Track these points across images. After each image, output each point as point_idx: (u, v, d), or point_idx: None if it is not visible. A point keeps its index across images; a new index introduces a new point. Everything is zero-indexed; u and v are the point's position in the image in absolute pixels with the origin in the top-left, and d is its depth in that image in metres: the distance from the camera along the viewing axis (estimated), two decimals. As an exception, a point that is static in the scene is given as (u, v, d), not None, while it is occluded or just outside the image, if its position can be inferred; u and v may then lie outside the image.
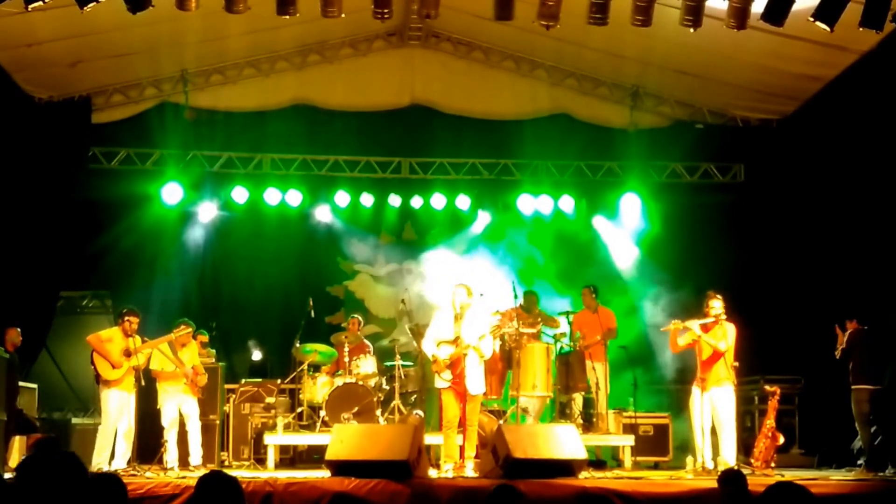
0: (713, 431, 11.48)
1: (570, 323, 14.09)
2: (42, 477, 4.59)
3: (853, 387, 11.82)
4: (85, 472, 4.82)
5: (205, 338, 13.43)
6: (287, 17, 11.21)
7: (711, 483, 8.13)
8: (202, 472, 6.76)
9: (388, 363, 13.86)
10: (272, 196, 16.21)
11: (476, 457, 10.87)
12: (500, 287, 14.31)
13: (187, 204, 16.04)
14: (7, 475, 10.08)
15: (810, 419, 14.30)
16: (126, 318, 11.75)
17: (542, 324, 13.86)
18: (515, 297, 13.36)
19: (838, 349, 11.90)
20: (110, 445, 11.57)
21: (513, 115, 16.61)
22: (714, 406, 11.38)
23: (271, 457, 12.66)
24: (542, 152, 16.48)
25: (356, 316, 14.85)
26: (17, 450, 12.35)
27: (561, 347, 13.79)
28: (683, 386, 13.35)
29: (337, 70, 16.39)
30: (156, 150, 16.07)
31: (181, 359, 12.15)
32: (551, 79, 16.63)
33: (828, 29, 10.59)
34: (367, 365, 13.75)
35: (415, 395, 13.96)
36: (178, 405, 12.16)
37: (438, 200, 16.54)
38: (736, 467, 10.21)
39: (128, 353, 11.61)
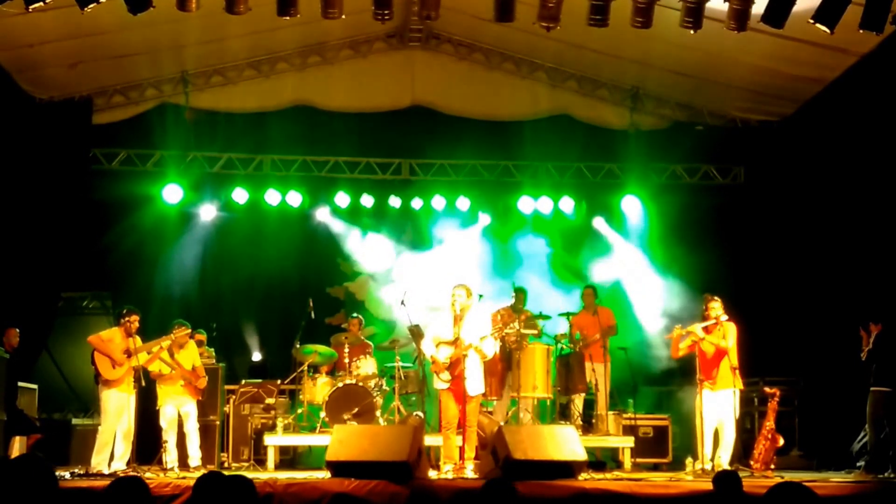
0: (715, 433, 11.48)
1: (570, 325, 14.11)
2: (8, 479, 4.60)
3: (872, 388, 11.79)
4: (54, 478, 4.81)
5: (202, 336, 13.44)
6: (287, 18, 11.22)
7: (710, 485, 8.13)
8: (201, 472, 6.76)
9: (388, 364, 13.87)
10: (272, 197, 16.23)
11: (476, 458, 10.87)
12: (499, 288, 14.39)
13: (188, 205, 16.06)
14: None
15: (810, 421, 14.30)
16: (127, 317, 11.76)
17: (522, 327, 13.67)
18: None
19: (864, 351, 11.87)
20: (110, 446, 11.56)
21: (513, 117, 16.63)
22: (719, 409, 11.38)
23: (271, 457, 12.67)
24: (543, 154, 16.49)
25: (357, 316, 14.87)
26: (18, 450, 12.38)
27: (561, 349, 13.80)
28: (683, 388, 13.37)
29: (337, 71, 16.41)
30: (156, 151, 16.09)
31: (178, 360, 12.15)
32: (551, 80, 16.64)
33: (828, 31, 10.61)
34: (367, 366, 13.77)
35: (415, 396, 13.96)
36: (177, 406, 12.17)
37: (439, 202, 16.55)
38: (732, 468, 10.26)
39: (128, 353, 11.61)
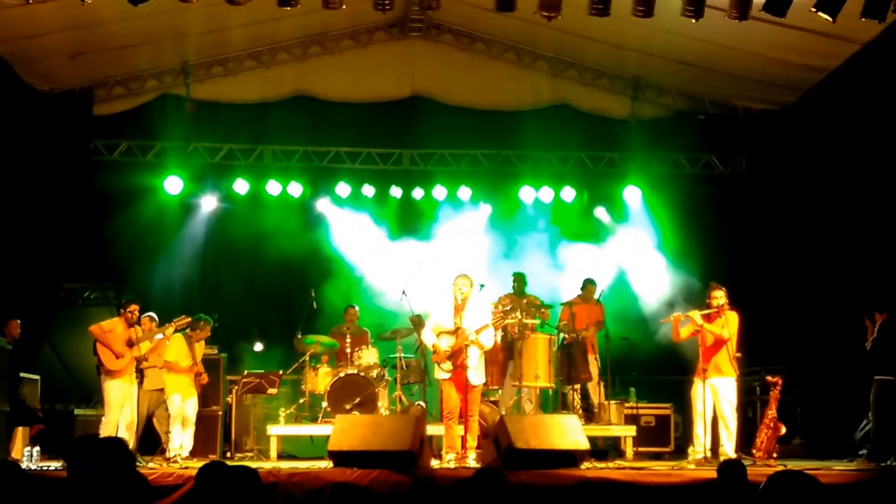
0: (714, 422, 11.49)
1: (572, 314, 14.12)
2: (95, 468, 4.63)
3: (876, 377, 11.78)
4: (133, 459, 4.86)
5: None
6: (288, 8, 11.20)
7: (712, 473, 8.13)
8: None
9: (390, 355, 13.87)
10: (273, 188, 16.23)
11: (478, 447, 10.88)
12: (500, 278, 14.39)
13: (189, 196, 16.07)
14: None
15: (812, 409, 14.30)
16: (127, 307, 11.79)
17: (530, 313, 13.65)
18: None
19: (869, 340, 11.87)
20: (113, 437, 11.57)
21: (514, 107, 16.62)
22: (716, 397, 11.40)
23: (273, 447, 12.69)
24: (544, 143, 16.49)
25: (354, 305, 14.88)
26: (21, 440, 12.40)
27: (563, 338, 13.81)
28: (685, 377, 13.36)
29: (338, 62, 16.39)
30: (157, 142, 16.10)
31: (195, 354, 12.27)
32: (552, 70, 16.62)
33: (830, 19, 10.59)
34: (368, 356, 13.78)
35: (416, 386, 13.98)
36: (184, 398, 12.21)
37: (439, 192, 16.55)
38: (736, 457, 10.26)
39: (130, 343, 11.64)
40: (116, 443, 4.88)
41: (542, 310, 13.77)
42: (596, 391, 14.04)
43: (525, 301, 13.64)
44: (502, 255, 15.99)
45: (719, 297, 11.53)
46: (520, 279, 14.24)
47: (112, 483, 4.62)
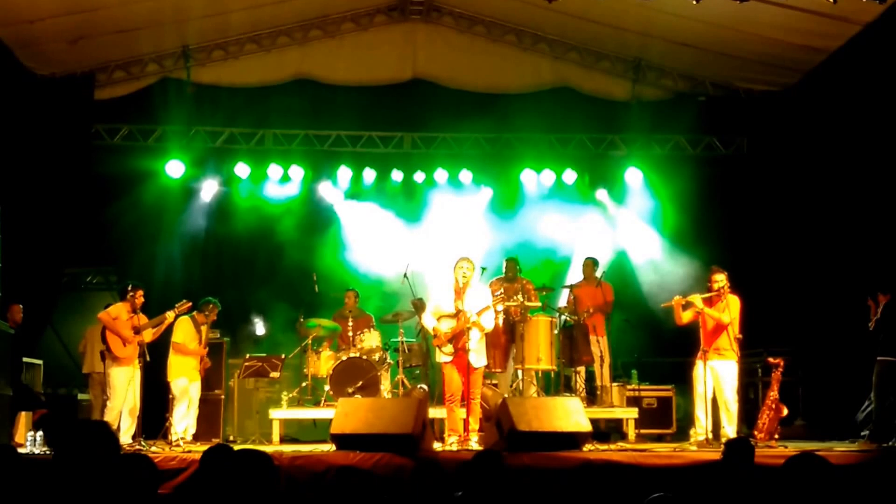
0: (715, 404, 11.51)
1: (573, 296, 14.13)
2: (77, 449, 4.62)
3: (879, 358, 11.79)
4: (117, 442, 4.85)
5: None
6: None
7: (715, 455, 8.16)
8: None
9: (392, 338, 13.88)
10: (275, 171, 16.21)
11: (480, 430, 10.90)
12: (501, 262, 14.37)
13: (190, 180, 16.04)
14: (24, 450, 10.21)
15: (813, 391, 14.31)
16: (132, 293, 11.80)
17: (525, 298, 13.45)
18: (520, 271, 13.38)
19: (872, 320, 11.88)
20: (117, 422, 11.62)
21: (515, 89, 16.58)
22: (717, 379, 11.42)
23: (276, 431, 12.71)
24: (545, 126, 16.43)
25: (352, 289, 14.87)
26: (24, 424, 12.44)
27: (565, 321, 13.81)
28: (686, 358, 13.39)
29: (339, 45, 16.34)
30: (158, 126, 16.06)
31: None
32: (553, 52, 16.58)
33: (831, 0, 10.56)
34: (370, 339, 13.79)
35: (419, 369, 13.99)
36: (189, 381, 12.27)
37: (441, 175, 16.53)
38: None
39: (136, 330, 11.66)
40: (100, 426, 4.87)
41: (534, 293, 13.63)
42: (601, 373, 14.04)
43: (517, 286, 13.51)
44: (503, 238, 15.97)
45: (720, 280, 11.54)
46: (512, 263, 13.98)
47: (96, 467, 4.62)
